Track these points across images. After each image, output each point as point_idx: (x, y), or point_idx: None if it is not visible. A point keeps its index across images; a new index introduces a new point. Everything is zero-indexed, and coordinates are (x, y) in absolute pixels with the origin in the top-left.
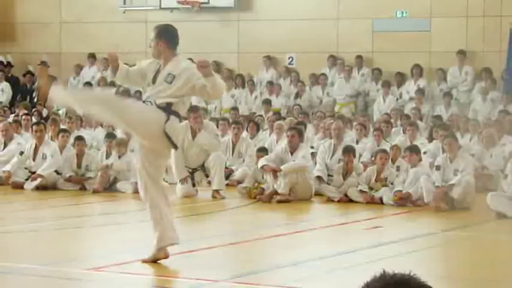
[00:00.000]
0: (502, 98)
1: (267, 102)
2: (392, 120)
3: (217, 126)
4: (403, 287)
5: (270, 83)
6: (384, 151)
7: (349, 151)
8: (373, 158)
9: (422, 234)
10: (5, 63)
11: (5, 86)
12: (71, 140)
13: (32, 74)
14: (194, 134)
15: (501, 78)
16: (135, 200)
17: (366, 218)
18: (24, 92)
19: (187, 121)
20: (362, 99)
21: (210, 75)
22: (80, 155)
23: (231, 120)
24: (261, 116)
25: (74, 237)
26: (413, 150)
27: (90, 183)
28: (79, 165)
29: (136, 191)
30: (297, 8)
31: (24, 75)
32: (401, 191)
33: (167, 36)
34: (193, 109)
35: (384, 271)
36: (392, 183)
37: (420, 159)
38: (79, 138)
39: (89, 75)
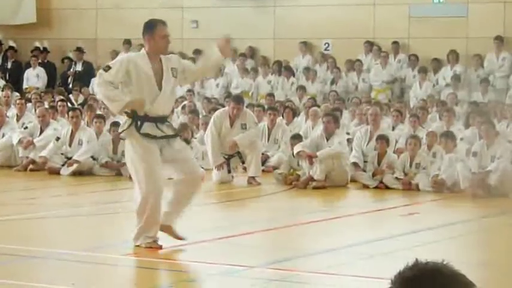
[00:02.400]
0: None
1: (302, 89)
2: (428, 106)
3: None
4: (436, 275)
5: (306, 69)
6: (415, 137)
7: (382, 139)
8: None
9: (459, 220)
10: (41, 49)
11: (40, 71)
12: (107, 125)
13: (71, 60)
14: (232, 122)
15: None
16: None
17: (403, 205)
18: (63, 78)
19: (226, 108)
20: (398, 85)
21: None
22: (116, 141)
23: (266, 107)
24: (290, 101)
25: (110, 223)
26: (449, 136)
27: (126, 168)
28: (115, 151)
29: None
30: None
31: (62, 61)
32: (438, 175)
33: None
34: (235, 99)
35: (416, 259)
36: (424, 168)
37: (455, 146)
38: (115, 124)
39: None
